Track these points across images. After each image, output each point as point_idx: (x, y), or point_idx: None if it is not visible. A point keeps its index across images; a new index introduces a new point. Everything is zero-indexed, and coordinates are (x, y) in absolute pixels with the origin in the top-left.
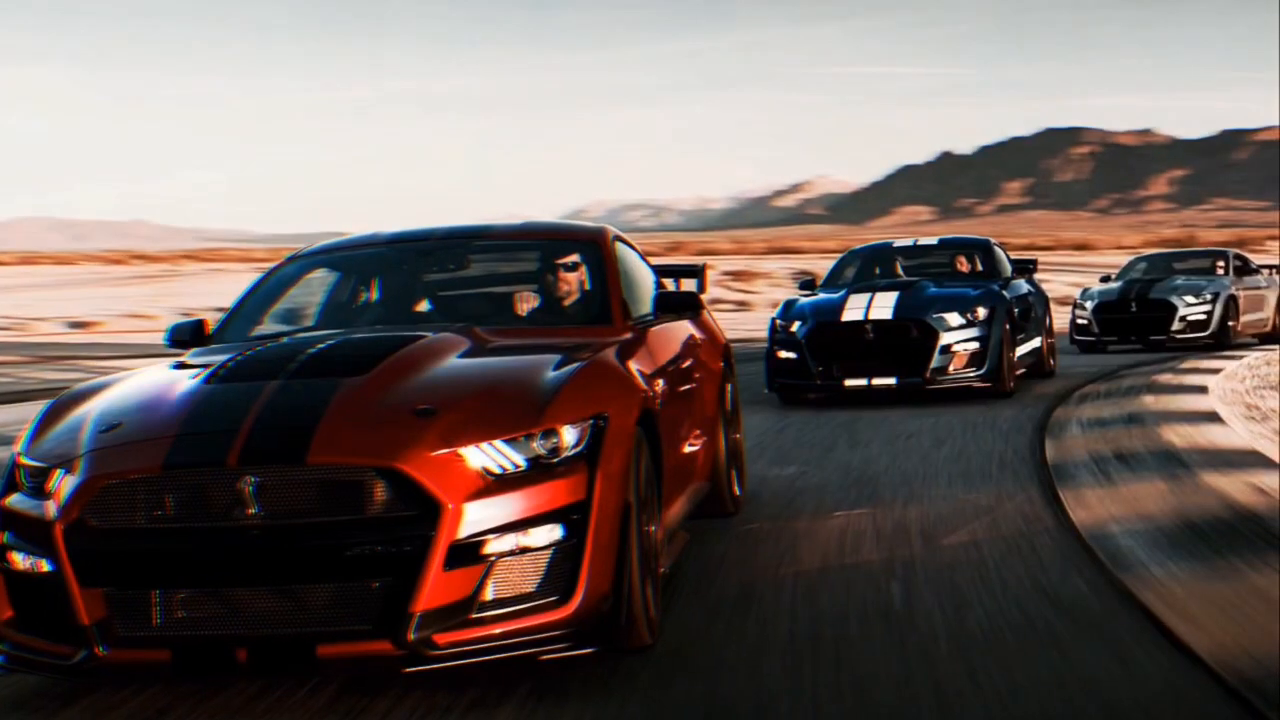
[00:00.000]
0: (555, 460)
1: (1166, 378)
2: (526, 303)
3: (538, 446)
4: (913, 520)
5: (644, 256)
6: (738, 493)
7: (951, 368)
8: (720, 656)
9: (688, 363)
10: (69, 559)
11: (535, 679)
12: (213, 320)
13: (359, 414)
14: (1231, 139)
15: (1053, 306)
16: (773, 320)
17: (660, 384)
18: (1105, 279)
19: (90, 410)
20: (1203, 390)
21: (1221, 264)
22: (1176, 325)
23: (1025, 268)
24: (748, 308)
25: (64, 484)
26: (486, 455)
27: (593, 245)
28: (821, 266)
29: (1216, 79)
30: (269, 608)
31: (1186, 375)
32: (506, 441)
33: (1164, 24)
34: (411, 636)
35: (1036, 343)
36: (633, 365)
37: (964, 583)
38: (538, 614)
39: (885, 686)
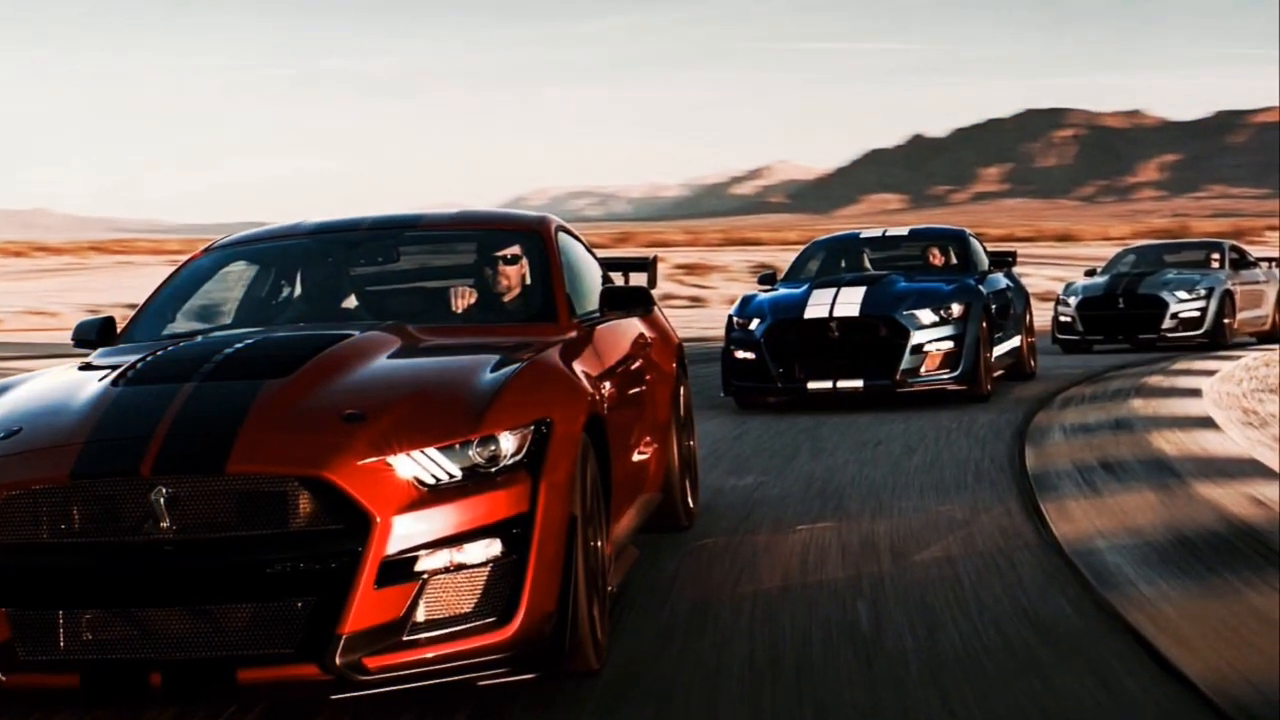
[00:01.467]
0: (494, 469)
1: (1157, 380)
2: (462, 298)
3: (475, 455)
4: (881, 535)
5: (590, 248)
6: (691, 505)
7: (923, 369)
8: (673, 682)
9: (638, 364)
10: None
11: (473, 706)
12: (122, 317)
13: (281, 419)
14: (1227, 121)
15: (1033, 303)
16: (729, 318)
17: (608, 387)
18: (1090, 273)
19: None
20: (1196, 393)
21: (1216, 257)
22: (1168, 323)
23: (1003, 260)
24: (702, 304)
25: None
26: (419, 464)
27: (534, 236)
28: (783, 259)
29: (1211, 56)
30: (184, 629)
31: (1179, 377)
32: (441, 449)
33: None
34: (339, 660)
35: (1016, 342)
36: (578, 366)
37: (937, 603)
38: (475, 636)
39: (851, 715)
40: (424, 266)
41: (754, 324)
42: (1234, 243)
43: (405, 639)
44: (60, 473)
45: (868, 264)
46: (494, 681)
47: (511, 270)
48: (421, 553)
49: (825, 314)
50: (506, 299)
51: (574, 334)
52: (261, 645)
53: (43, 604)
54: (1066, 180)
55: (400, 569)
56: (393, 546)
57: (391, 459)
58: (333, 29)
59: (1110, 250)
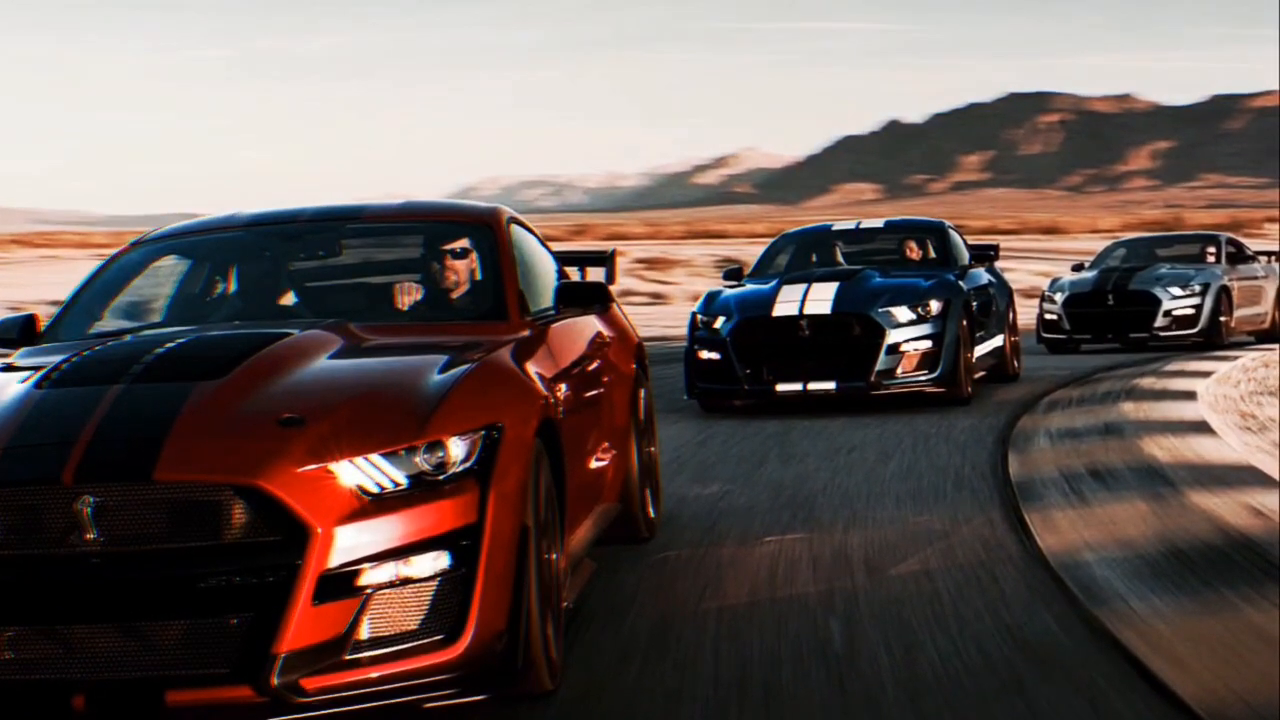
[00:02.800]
0: (441, 477)
1: (1149, 382)
2: (408, 295)
3: (421, 462)
4: (855, 547)
5: (544, 241)
6: (652, 515)
7: (900, 370)
8: (632, 705)
9: (595, 365)
10: None
11: None
12: (45, 315)
13: (215, 423)
14: (1224, 105)
15: (1017, 299)
16: (693, 315)
17: (563, 389)
18: (1078, 268)
19: None
20: (1191, 396)
21: (1212, 250)
22: (1160, 321)
23: (985, 255)
24: (664, 301)
25: None
26: (362, 471)
27: (484, 229)
28: (749, 253)
29: (1207, 36)
30: (110, 648)
31: (1172, 379)
32: (385, 456)
33: None
34: (275, 681)
35: (998, 341)
36: (531, 368)
37: (914, 620)
38: (421, 655)
39: None
40: (367, 261)
41: (719, 322)
42: (1231, 235)
43: (346, 658)
44: None
45: (840, 258)
46: (441, 704)
47: (460, 265)
48: (364, 566)
49: (795, 312)
50: (455, 295)
51: (527, 333)
52: (193, 665)
53: None
54: (1052, 169)
55: (341, 584)
56: (333, 560)
57: (332, 466)
58: (269, 7)
59: (1099, 244)
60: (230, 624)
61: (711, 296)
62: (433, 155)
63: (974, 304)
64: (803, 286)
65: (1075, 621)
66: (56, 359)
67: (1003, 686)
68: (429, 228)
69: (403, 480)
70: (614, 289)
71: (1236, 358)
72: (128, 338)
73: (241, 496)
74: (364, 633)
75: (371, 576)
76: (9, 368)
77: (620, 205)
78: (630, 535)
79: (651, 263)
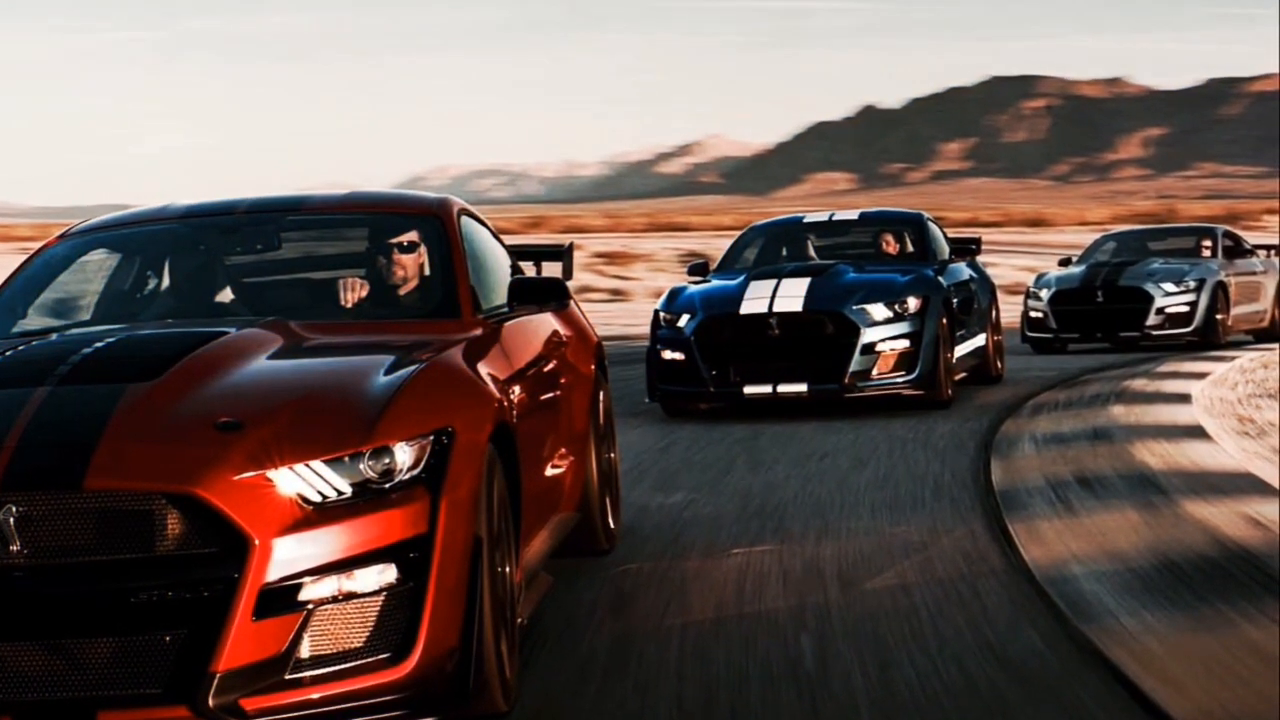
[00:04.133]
0: (388, 485)
1: (1141, 384)
2: (352, 291)
3: (367, 469)
4: (827, 559)
5: (497, 234)
6: (612, 526)
7: (876, 371)
8: None
9: (551, 365)
10: None
11: None
12: None
13: (147, 428)
14: (1220, 90)
15: (1001, 296)
16: (656, 313)
17: (517, 392)
18: (1065, 262)
19: None
20: (1185, 399)
21: (1208, 244)
22: (1153, 319)
23: (966, 248)
24: (625, 297)
25: None
26: (303, 479)
27: (434, 221)
28: (716, 247)
29: (1202, 16)
30: (37, 666)
31: (1165, 381)
32: (328, 462)
33: None
34: (212, 701)
35: (980, 340)
36: (483, 369)
37: (890, 636)
38: (367, 674)
39: None
40: (309, 255)
41: (683, 320)
42: (1228, 228)
43: (288, 678)
44: None
45: (812, 252)
46: None
47: (408, 259)
48: (306, 580)
49: (764, 309)
50: (402, 291)
51: (479, 331)
52: (125, 685)
53: None
54: (1038, 157)
55: (282, 598)
56: (273, 573)
57: (272, 473)
58: None
59: (1088, 237)
60: (164, 641)
61: (675, 293)
62: (379, 143)
63: (954, 301)
64: (772, 282)
65: (1062, 639)
66: None
67: (985, 708)
68: (375, 220)
69: (347, 489)
70: (571, 285)
71: (1234, 358)
72: (54, 337)
73: (176, 505)
74: (306, 651)
75: (314, 591)
76: None
77: (578, 196)
78: (589, 547)
79: (611, 257)
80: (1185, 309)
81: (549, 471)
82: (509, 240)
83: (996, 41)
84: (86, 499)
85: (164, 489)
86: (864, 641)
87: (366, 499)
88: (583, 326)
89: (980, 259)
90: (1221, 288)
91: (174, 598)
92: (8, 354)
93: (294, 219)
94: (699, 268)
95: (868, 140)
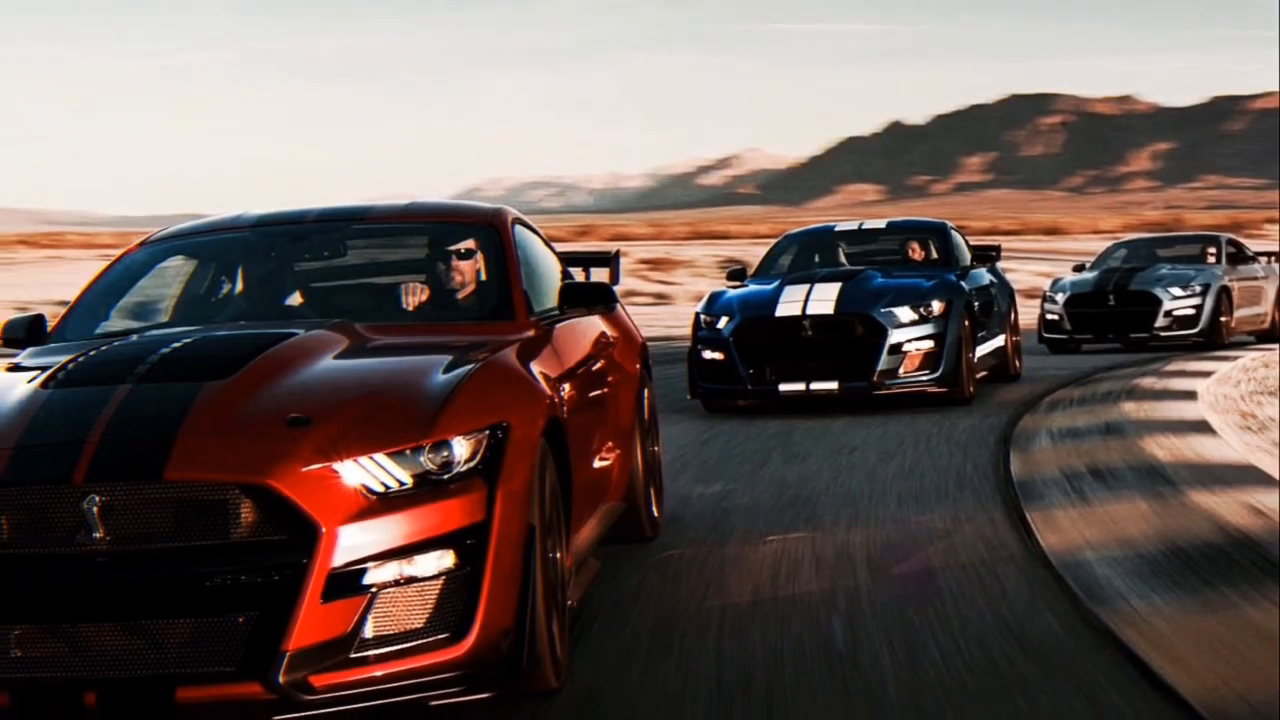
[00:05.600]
0: (447, 477)
1: (1149, 382)
2: (413, 295)
3: (427, 461)
4: (857, 546)
5: (549, 242)
6: (656, 514)
7: (902, 370)
8: (636, 704)
9: (600, 364)
10: None
11: None
12: (52, 316)
13: (222, 423)
14: (1224, 107)
15: (1019, 300)
16: (696, 316)
17: (568, 389)
18: (1079, 268)
19: None
20: (1191, 396)
21: (1213, 251)
22: (1161, 321)
23: (987, 255)
24: (668, 301)
25: None
26: (368, 471)
27: (490, 229)
28: (753, 254)
29: (1207, 38)
30: (119, 646)
31: (1172, 379)
32: (391, 455)
33: None
34: (283, 678)
35: (1000, 341)
36: (536, 368)
37: (916, 618)
38: (427, 653)
39: None
40: (373, 261)
41: (722, 322)
42: (1231, 236)
43: (353, 656)
44: None
45: (843, 259)
46: (447, 701)
47: (465, 265)
48: (370, 565)
49: (798, 312)
50: (460, 296)
51: (532, 333)
52: (201, 663)
53: None
54: (1054, 170)
55: (347, 582)
56: (339, 558)
57: (338, 465)
58: (272, 9)
59: (1100, 244)
60: (238, 622)
61: (715, 297)
62: (437, 156)
63: (976, 304)
64: (806, 287)
65: (1076, 620)
66: (63, 358)
67: (1004, 684)
68: (434, 228)
69: (408, 480)
70: (618, 289)
71: (1236, 358)
72: (134, 337)
73: (249, 495)
74: (370, 631)
75: (377, 575)
76: (16, 367)
77: (624, 206)
78: (634, 534)
79: (655, 263)
80: (1191, 312)
81: (597, 464)
82: (559, 248)
83: (1015, 62)
84: (166, 489)
85: (238, 480)
86: (891, 624)
87: (427, 489)
88: (628, 328)
89: (999, 265)
90: (1225, 292)
91: (247, 581)
92: (91, 354)
93: (359, 227)
94: (737, 273)
95: (895, 154)
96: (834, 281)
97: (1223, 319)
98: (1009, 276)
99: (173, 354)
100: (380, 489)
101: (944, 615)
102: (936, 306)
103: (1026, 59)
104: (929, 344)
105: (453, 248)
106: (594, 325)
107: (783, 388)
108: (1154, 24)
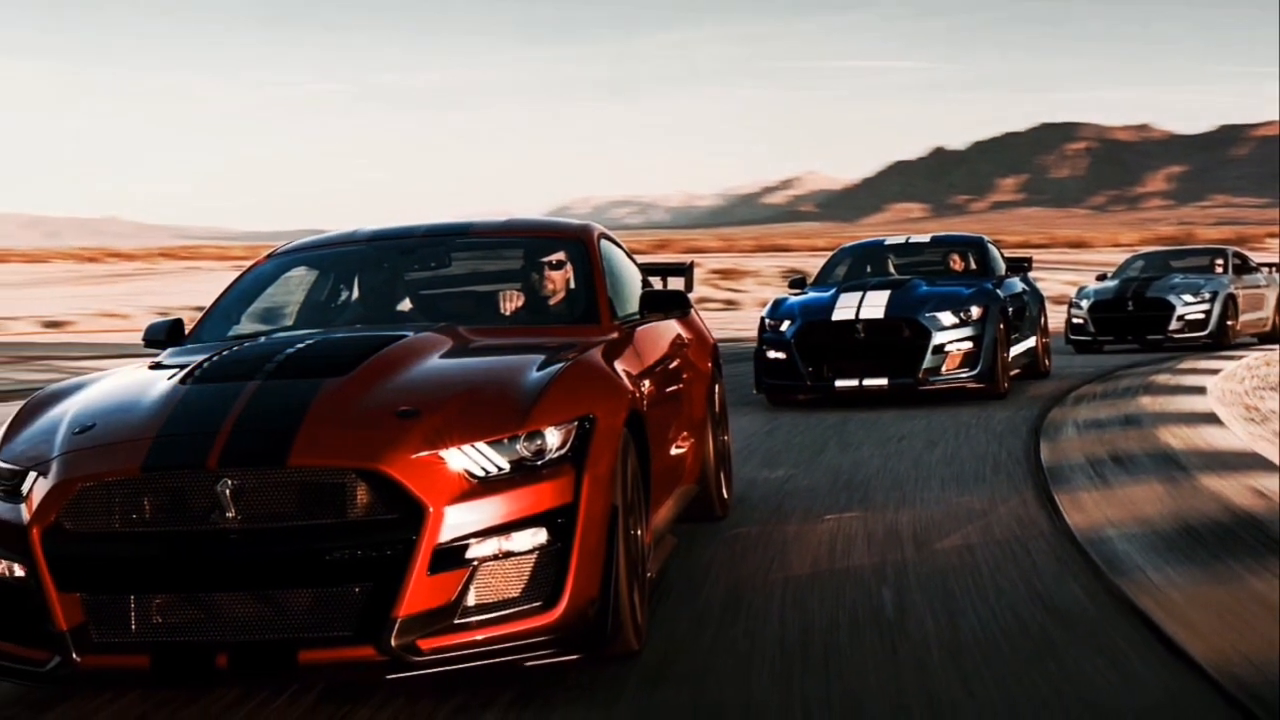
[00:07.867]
0: (540, 463)
1: (1164, 378)
2: (510, 301)
3: (522, 449)
4: (904, 524)
5: (630, 254)
6: (726, 496)
7: (944, 368)
8: (708, 664)
9: (675, 363)
10: (45, 563)
11: (520, 686)
12: (190, 320)
13: (341, 415)
14: (1231, 134)
15: (1048, 305)
16: (761, 319)
17: (647, 385)
18: (1101, 277)
19: (65, 411)
20: (1201, 391)
21: (1220, 262)
22: (1174, 325)
23: (1020, 266)
24: (736, 307)
25: (38, 487)
26: (470, 458)
27: (578, 243)
28: (811, 265)
29: (1215, 73)
30: (249, 613)
31: (1184, 376)
32: (490, 443)
33: (1162, 17)
34: (394, 642)
35: (1031, 342)
36: (619, 365)
37: (957, 589)
38: (522, 619)
39: (877, 696)
40: (474, 271)
41: (785, 325)
42: (1237, 249)
43: (456, 622)
44: (132, 465)
45: (892, 269)
46: (540, 663)
47: (557, 275)
48: (472, 541)
49: (852, 316)
50: (552, 302)
51: (615, 335)
52: (321, 628)
53: (115, 589)
54: (1079, 190)
55: (452, 556)
56: (444, 535)
57: (443, 453)
58: (382, 46)
59: (1120, 256)
60: (354, 592)
61: (778, 303)
62: (531, 177)
63: (1010, 309)
64: (859, 294)
65: (1099, 590)
66: (200, 358)
67: (1035, 648)
68: (529, 242)
69: (506, 465)
70: (692, 296)
71: (1241, 357)
72: (262, 339)
73: (364, 480)
74: (472, 599)
75: (478, 550)
76: (158, 365)
77: (697, 222)
78: (707, 514)
79: (725, 273)
80: (1201, 316)
81: (673, 451)
82: (640, 259)
83: (1044, 93)
84: (290, 474)
85: (355, 466)
86: (935, 593)
87: (522, 474)
88: (701, 331)
89: (1031, 274)
90: (1231, 299)
91: (362, 556)
92: (224, 354)
93: (462, 241)
94: (798, 282)
95: (937, 176)
96: (884, 289)
97: (1229, 323)
98: (1039, 285)
99: (297, 354)
100: (481, 473)
101: (982, 586)
102: (975, 311)
103: (1055, 91)
104: (968, 345)
105: (545, 259)
106: (670, 328)
107: (838, 383)
108: (1168, 60)
